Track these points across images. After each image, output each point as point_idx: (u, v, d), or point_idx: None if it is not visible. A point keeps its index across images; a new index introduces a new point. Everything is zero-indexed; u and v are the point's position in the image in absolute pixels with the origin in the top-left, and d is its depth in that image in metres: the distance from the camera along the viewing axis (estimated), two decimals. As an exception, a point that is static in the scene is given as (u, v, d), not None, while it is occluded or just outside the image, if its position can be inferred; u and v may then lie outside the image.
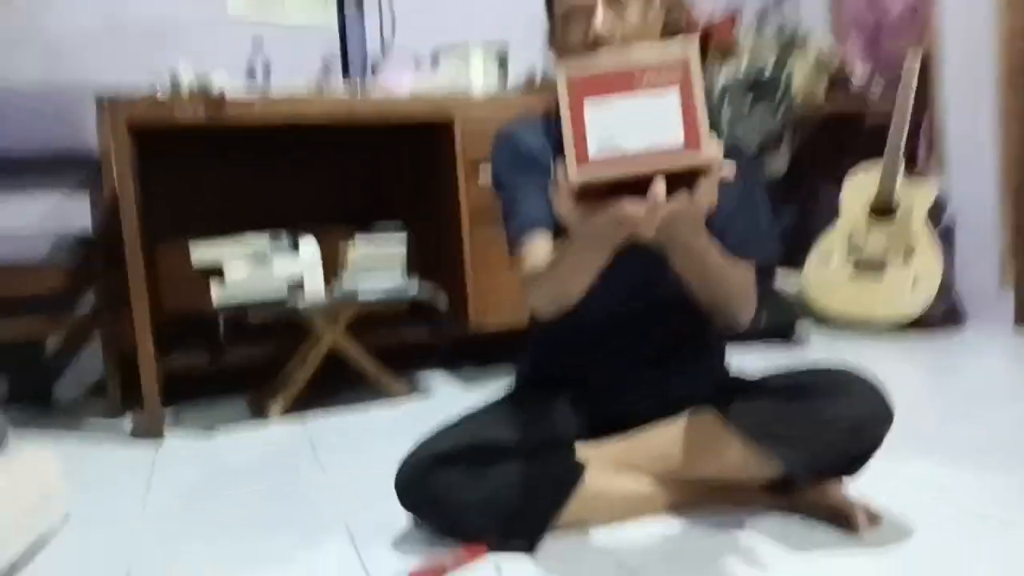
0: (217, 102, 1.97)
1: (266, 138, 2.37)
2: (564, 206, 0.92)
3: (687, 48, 0.85)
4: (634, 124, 0.85)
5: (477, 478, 1.20)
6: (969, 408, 1.88)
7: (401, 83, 2.42)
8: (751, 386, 1.32)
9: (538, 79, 2.56)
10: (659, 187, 0.85)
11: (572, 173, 0.86)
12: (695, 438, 1.27)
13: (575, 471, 1.24)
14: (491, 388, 2.20)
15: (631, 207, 0.87)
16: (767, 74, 0.94)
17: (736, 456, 1.23)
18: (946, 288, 2.63)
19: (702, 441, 1.26)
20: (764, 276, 2.32)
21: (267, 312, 2.02)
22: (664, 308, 1.26)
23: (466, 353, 2.50)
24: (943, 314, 2.69)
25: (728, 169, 0.88)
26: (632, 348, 1.33)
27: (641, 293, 1.26)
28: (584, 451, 1.29)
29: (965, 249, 2.77)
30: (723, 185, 0.89)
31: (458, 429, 1.29)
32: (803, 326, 2.69)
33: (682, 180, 0.87)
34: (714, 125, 0.94)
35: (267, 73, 2.44)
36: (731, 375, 1.41)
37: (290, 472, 1.69)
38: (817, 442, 1.19)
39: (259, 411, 2.11)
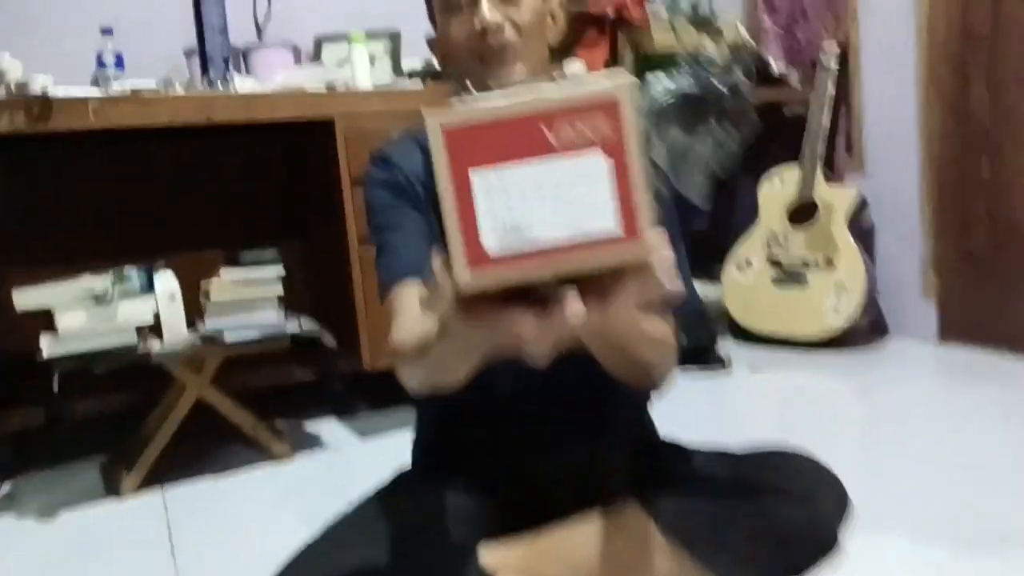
0: (41, 105, 1.62)
1: (117, 147, 2.01)
2: (437, 307, 0.65)
3: (618, 84, 0.58)
4: (546, 201, 0.59)
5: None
6: (907, 450, 1.74)
7: (274, 77, 2.10)
8: (682, 470, 1.11)
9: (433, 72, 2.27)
10: (571, 307, 0.60)
11: (461, 275, 0.59)
12: (619, 546, 1.05)
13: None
14: (389, 440, 1.94)
15: (523, 327, 0.61)
16: (712, 84, 0.66)
17: (669, 571, 1.02)
18: (870, 298, 2.52)
19: (629, 551, 1.05)
20: (687, 326, 2.14)
21: (111, 363, 1.69)
22: (576, 371, 1.05)
23: (361, 393, 2.21)
24: (867, 325, 2.59)
25: (669, 257, 0.63)
26: (542, 416, 1.11)
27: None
28: (488, 557, 1.06)
29: (887, 256, 2.66)
30: None
31: (327, 554, 1.02)
32: (724, 346, 2.53)
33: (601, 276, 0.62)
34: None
35: (117, 66, 2.06)
36: (657, 438, 1.20)
37: (142, 565, 1.40)
38: (764, 551, 0.99)
39: (112, 483, 1.78)
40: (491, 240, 0.59)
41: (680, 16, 2.72)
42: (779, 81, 2.83)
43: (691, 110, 0.62)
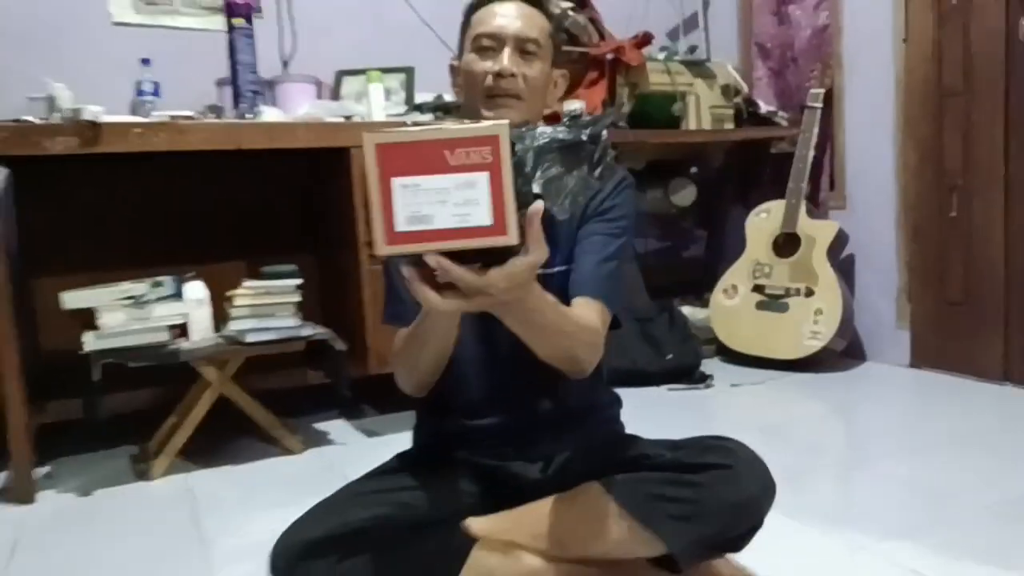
0: (91, 129, 1.84)
1: (154, 165, 2.23)
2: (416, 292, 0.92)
3: (498, 124, 0.85)
4: (444, 201, 0.86)
5: (353, 567, 1.13)
6: (869, 460, 1.90)
7: (298, 108, 2.32)
8: (639, 457, 1.28)
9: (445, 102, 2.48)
10: (451, 271, 0.87)
11: (378, 245, 0.87)
12: (580, 515, 1.22)
13: (458, 554, 1.17)
14: (392, 438, 2.11)
15: (423, 292, 0.90)
16: (579, 136, 0.97)
17: (620, 534, 1.19)
18: (847, 324, 2.68)
19: (587, 518, 1.22)
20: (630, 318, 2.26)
21: (145, 359, 1.89)
22: (536, 369, 1.21)
23: (367, 397, 2.40)
24: (844, 350, 2.75)
25: (543, 254, 0.90)
26: (511, 412, 1.28)
27: (509, 357, 1.21)
28: (471, 525, 1.22)
29: (865, 286, 2.83)
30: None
31: (334, 509, 1.20)
32: (706, 365, 2.70)
33: (496, 260, 0.89)
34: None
35: (154, 94, 2.30)
36: (623, 434, 1.37)
37: (170, 541, 1.58)
38: (702, 521, 1.16)
39: (142, 468, 1.97)
40: (402, 225, 0.86)
41: (675, 59, 2.93)
42: (767, 121, 3.02)
43: (569, 153, 0.92)
